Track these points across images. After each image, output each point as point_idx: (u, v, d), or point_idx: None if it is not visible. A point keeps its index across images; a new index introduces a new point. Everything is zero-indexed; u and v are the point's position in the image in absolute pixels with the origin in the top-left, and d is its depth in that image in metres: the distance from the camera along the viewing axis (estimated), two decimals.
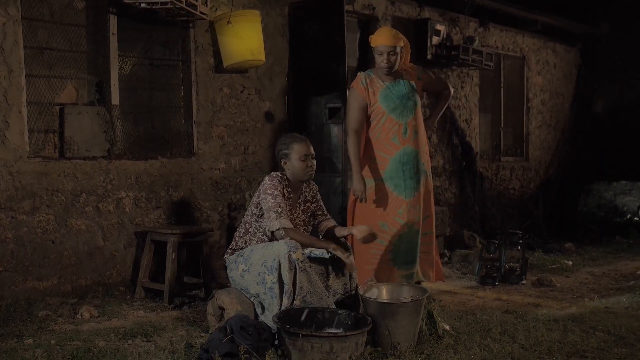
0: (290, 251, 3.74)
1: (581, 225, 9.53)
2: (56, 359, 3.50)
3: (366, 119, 4.72)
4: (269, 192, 3.94)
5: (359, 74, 4.86)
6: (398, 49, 4.64)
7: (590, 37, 10.97)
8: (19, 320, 4.31)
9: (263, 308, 3.86)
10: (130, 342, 3.93)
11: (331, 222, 4.24)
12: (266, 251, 3.86)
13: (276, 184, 3.98)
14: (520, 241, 5.95)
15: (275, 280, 3.77)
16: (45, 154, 5.08)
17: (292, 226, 3.89)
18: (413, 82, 4.80)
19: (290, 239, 3.82)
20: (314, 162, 4.09)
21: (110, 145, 5.38)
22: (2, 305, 4.61)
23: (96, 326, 4.32)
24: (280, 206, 3.90)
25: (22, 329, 4.15)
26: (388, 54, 4.61)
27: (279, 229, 3.86)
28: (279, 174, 4.07)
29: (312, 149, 4.09)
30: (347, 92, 5.59)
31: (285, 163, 4.05)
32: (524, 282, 5.74)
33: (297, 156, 4.00)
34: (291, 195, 4.09)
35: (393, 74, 4.73)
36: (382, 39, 4.63)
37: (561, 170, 10.79)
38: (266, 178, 4.04)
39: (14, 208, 4.83)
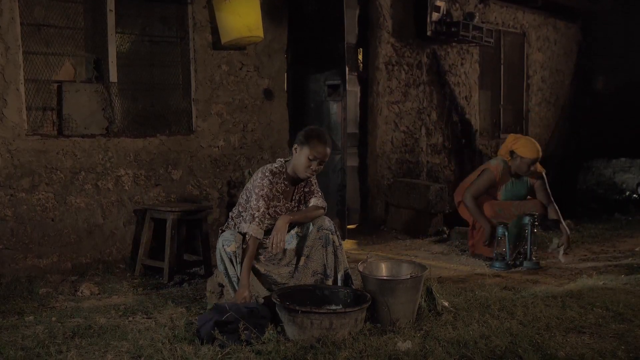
0: (223, 245, 3.77)
1: (580, 202, 9.54)
2: (57, 336, 3.52)
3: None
4: (256, 190, 3.86)
5: (497, 162, 5.77)
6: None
7: (591, 13, 10.90)
8: (19, 298, 4.34)
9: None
10: (130, 318, 3.95)
11: (312, 202, 4.03)
12: (219, 241, 3.89)
13: (266, 183, 3.87)
14: (536, 223, 5.56)
15: (224, 270, 3.82)
16: (44, 132, 5.06)
17: (258, 236, 3.79)
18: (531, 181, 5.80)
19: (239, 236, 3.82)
20: (320, 168, 3.91)
21: (109, 123, 5.36)
22: (3, 282, 4.63)
23: (96, 303, 4.35)
24: (259, 210, 3.82)
25: (23, 306, 4.18)
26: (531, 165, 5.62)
27: (246, 234, 3.80)
28: (274, 168, 3.94)
29: (327, 156, 3.88)
30: (346, 69, 5.67)
31: (295, 150, 3.89)
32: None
33: (307, 152, 3.81)
34: (287, 188, 4.00)
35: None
36: (532, 153, 5.58)
37: (561, 148, 10.78)
38: (258, 173, 3.92)
39: (13, 186, 4.83)
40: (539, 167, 5.75)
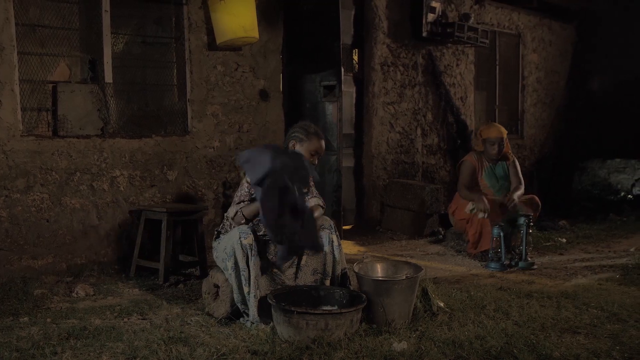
0: (240, 237, 3.72)
1: (575, 203, 9.55)
2: (52, 337, 3.51)
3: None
4: (243, 181, 3.93)
5: (470, 153, 6.33)
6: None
7: (586, 14, 10.91)
8: (14, 299, 4.33)
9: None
10: (125, 319, 3.94)
11: (312, 202, 4.06)
12: (227, 237, 3.85)
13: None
14: (531, 224, 5.65)
15: (232, 265, 3.75)
16: (39, 133, 5.05)
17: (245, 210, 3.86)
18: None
19: (243, 217, 3.85)
20: (316, 162, 4.04)
21: (104, 124, 5.35)
22: None
23: (92, 304, 4.34)
24: (241, 197, 3.89)
25: (18, 307, 4.16)
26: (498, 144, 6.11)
27: (236, 213, 3.84)
28: None
29: (324, 150, 4.05)
30: (342, 70, 5.68)
31: (293, 146, 3.96)
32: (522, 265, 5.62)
33: (308, 147, 3.94)
34: None
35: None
36: (493, 132, 6.12)
37: (556, 148, 10.80)
38: None
39: (7, 187, 4.82)
40: (509, 152, 6.28)
